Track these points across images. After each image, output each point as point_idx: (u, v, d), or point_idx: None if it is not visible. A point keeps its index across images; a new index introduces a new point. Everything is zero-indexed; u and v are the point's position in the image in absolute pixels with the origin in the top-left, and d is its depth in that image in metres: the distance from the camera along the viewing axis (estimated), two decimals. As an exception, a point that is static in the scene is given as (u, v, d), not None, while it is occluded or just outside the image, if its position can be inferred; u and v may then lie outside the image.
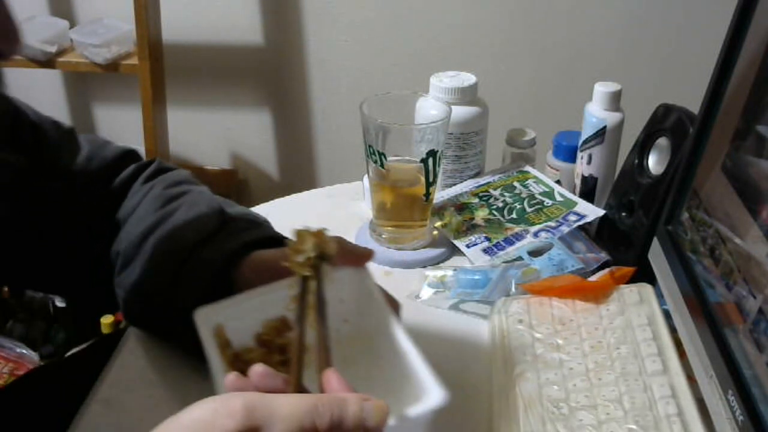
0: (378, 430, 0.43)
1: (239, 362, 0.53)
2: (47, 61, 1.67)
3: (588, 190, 0.91)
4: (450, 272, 0.79)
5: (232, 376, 0.46)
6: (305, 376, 0.47)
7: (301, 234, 0.49)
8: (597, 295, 0.73)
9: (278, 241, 0.68)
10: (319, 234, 0.49)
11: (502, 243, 0.85)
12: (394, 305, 0.59)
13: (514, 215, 0.89)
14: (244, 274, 0.64)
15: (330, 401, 0.43)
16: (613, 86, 0.87)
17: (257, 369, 0.46)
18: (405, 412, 0.46)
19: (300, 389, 0.47)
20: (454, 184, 0.95)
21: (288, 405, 0.42)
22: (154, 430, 0.42)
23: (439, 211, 0.90)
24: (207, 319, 0.55)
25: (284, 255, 0.53)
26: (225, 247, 0.65)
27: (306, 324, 0.48)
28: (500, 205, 0.91)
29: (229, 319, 0.54)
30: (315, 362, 0.48)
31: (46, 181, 0.70)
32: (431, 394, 0.49)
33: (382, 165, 0.82)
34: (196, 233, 0.66)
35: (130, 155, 0.77)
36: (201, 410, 0.42)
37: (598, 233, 0.87)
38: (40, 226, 0.70)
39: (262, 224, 0.70)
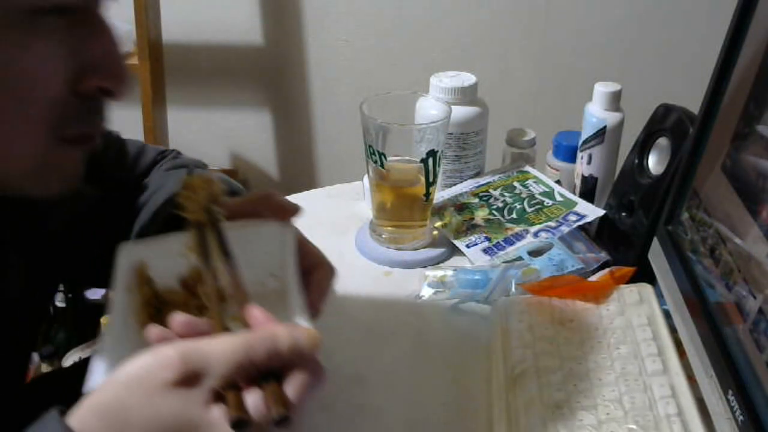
0: (312, 355, 0.44)
1: (158, 301, 0.53)
2: (47, 61, 1.66)
3: (588, 190, 0.91)
4: (450, 272, 0.79)
5: (156, 329, 0.45)
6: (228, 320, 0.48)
7: (189, 182, 0.50)
8: (597, 295, 0.73)
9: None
10: (208, 180, 0.50)
11: (502, 243, 0.85)
12: (322, 266, 0.60)
13: (514, 215, 0.89)
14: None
15: (262, 335, 0.43)
16: (613, 86, 0.87)
17: (179, 318, 0.45)
18: None
19: (224, 331, 0.46)
20: (454, 184, 0.95)
21: (222, 346, 0.42)
22: (92, 393, 0.41)
23: (439, 211, 0.90)
24: (130, 254, 0.55)
25: (238, 202, 0.57)
26: (169, 190, 0.67)
27: (216, 267, 0.49)
28: (500, 205, 0.91)
29: (155, 257, 0.54)
30: (234, 302, 0.48)
31: (104, 191, 0.72)
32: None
33: (382, 165, 0.82)
34: (166, 193, 0.69)
35: (165, 153, 0.80)
36: (136, 366, 0.41)
37: (598, 233, 0.87)
38: (95, 230, 0.72)
39: (228, 183, 0.72)
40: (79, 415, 0.41)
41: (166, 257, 0.54)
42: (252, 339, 0.42)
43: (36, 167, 0.50)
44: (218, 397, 0.41)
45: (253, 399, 0.41)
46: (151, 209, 0.69)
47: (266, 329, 0.44)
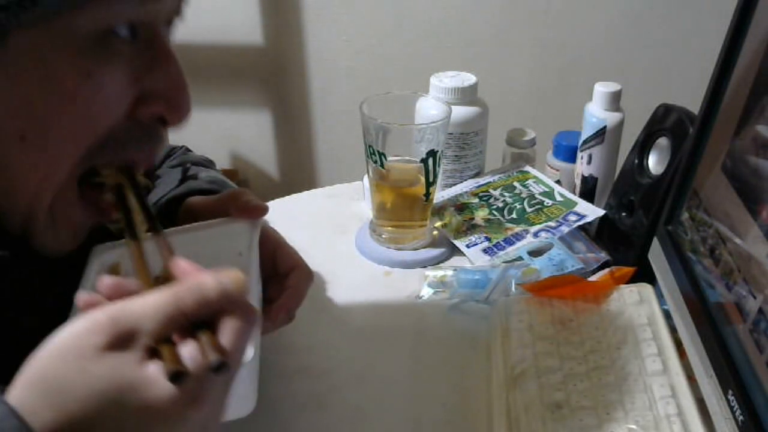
0: (242, 298, 0.43)
1: None
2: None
3: (588, 190, 0.91)
4: (450, 272, 0.79)
5: (83, 295, 0.44)
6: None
7: None
8: (597, 295, 0.73)
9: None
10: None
11: (502, 243, 0.85)
12: (299, 268, 0.61)
13: (514, 215, 0.89)
14: (181, 219, 0.66)
15: (188, 286, 0.42)
16: (613, 86, 0.87)
17: (105, 281, 0.45)
18: None
19: (154, 288, 0.45)
20: (454, 184, 0.95)
21: (150, 302, 0.41)
22: (27, 366, 0.40)
23: (439, 211, 0.90)
24: (103, 255, 0.55)
25: (210, 201, 0.59)
26: (171, 195, 0.68)
27: (140, 228, 0.49)
28: (500, 205, 0.91)
29: (121, 258, 0.54)
30: (160, 258, 0.48)
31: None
32: None
33: (382, 165, 0.82)
34: (163, 190, 0.70)
35: (174, 149, 0.80)
36: (67, 334, 0.41)
37: (598, 233, 0.87)
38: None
39: (220, 183, 0.72)
40: (18, 393, 0.40)
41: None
42: (180, 291, 0.42)
43: (57, 205, 0.50)
44: (154, 353, 0.41)
45: (188, 350, 0.41)
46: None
47: (193, 280, 0.43)
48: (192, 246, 0.53)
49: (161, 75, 0.49)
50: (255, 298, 0.53)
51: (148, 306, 0.41)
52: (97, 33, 0.45)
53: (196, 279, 0.43)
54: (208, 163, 0.79)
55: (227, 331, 0.42)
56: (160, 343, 0.41)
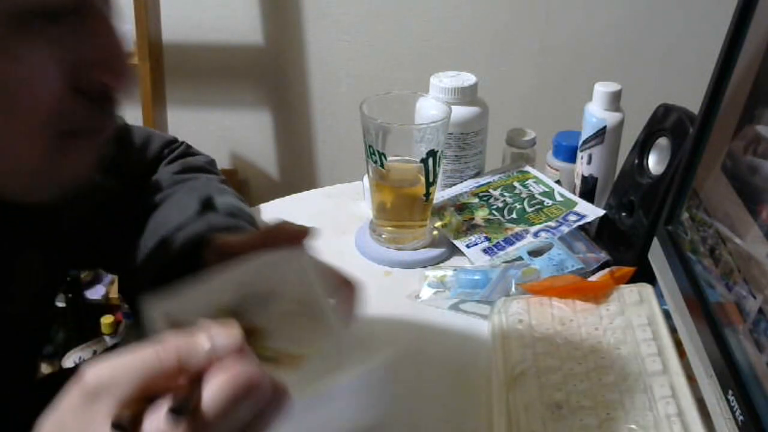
0: (233, 353, 0.39)
1: None
2: (47, 61, 1.66)
3: (588, 190, 0.91)
4: (450, 272, 0.79)
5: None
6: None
7: None
8: (597, 295, 0.73)
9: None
10: None
11: (502, 243, 0.85)
12: (345, 284, 0.59)
13: (514, 215, 0.89)
14: (208, 258, 0.64)
15: (175, 342, 0.39)
16: (613, 86, 0.87)
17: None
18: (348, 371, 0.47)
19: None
20: (454, 184, 0.95)
21: (127, 360, 0.39)
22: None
23: (439, 211, 0.90)
24: (159, 308, 0.53)
25: (243, 240, 0.57)
26: (191, 231, 0.65)
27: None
28: (500, 205, 0.91)
29: (181, 308, 0.53)
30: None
31: (115, 182, 0.71)
32: (370, 358, 0.49)
33: (382, 165, 0.82)
34: (178, 216, 0.67)
35: (173, 143, 0.79)
36: (60, 400, 0.41)
37: (598, 233, 0.87)
38: (108, 220, 0.72)
39: (239, 214, 0.71)
40: None
41: (193, 304, 0.53)
42: (161, 349, 0.39)
43: (39, 169, 0.49)
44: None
45: (150, 422, 0.38)
46: (159, 234, 0.67)
47: (182, 337, 0.40)
48: (247, 285, 0.53)
49: (96, 43, 0.47)
50: (330, 321, 0.53)
51: (125, 364, 0.39)
52: (19, 10, 0.43)
53: (185, 336, 0.40)
54: (210, 166, 0.79)
55: (210, 386, 0.38)
56: (131, 403, 0.38)
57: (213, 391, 0.38)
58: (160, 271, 0.65)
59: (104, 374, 0.39)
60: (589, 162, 0.90)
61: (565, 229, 0.85)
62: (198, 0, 1.77)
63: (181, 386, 0.39)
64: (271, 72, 1.86)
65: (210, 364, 0.39)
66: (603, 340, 0.68)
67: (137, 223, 0.71)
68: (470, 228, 0.88)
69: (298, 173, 1.98)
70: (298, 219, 0.59)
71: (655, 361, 0.64)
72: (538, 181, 0.94)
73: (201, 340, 0.39)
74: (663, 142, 0.80)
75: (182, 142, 0.80)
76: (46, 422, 0.41)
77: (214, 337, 0.39)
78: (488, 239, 0.85)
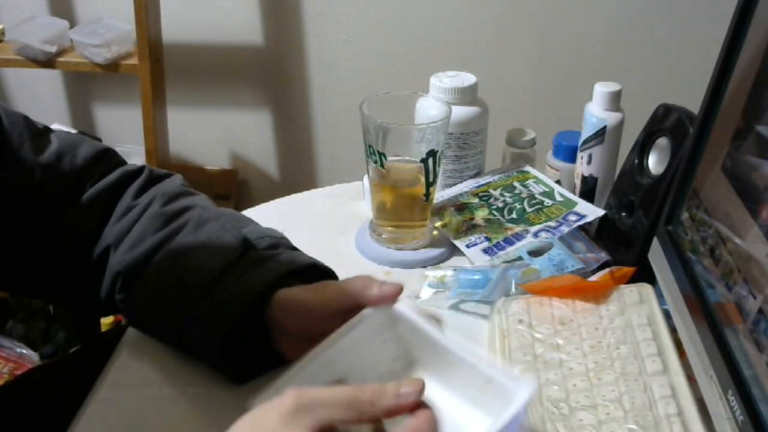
0: (420, 400, 0.47)
1: None
2: (47, 61, 1.67)
3: (588, 190, 0.91)
4: (450, 272, 0.79)
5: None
6: None
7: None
8: (597, 295, 0.73)
9: (304, 268, 0.67)
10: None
11: (502, 243, 0.85)
12: (435, 320, 0.59)
13: (514, 215, 0.89)
14: (274, 316, 0.63)
15: (370, 386, 0.48)
16: (613, 86, 0.87)
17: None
18: (502, 415, 0.48)
19: None
20: (454, 184, 0.95)
21: (332, 390, 0.47)
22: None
23: (439, 211, 0.90)
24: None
25: (317, 299, 0.59)
26: (250, 285, 0.62)
27: None
28: (500, 205, 0.91)
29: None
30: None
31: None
32: (517, 391, 0.50)
33: (382, 165, 0.82)
34: (214, 262, 0.64)
35: (107, 155, 0.74)
36: (258, 409, 0.46)
37: (598, 233, 0.87)
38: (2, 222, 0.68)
39: (280, 246, 0.68)
40: None
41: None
42: (360, 387, 0.47)
43: None
44: None
45: None
46: (199, 283, 0.63)
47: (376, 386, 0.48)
48: (341, 364, 0.55)
49: None
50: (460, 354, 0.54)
51: (327, 392, 0.46)
52: None
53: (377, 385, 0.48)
54: (187, 186, 0.74)
55: (417, 418, 0.47)
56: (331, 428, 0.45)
57: (416, 423, 0.47)
58: (227, 332, 0.62)
59: (307, 395, 0.45)
60: (589, 162, 0.90)
61: (565, 229, 0.85)
62: (198, 0, 1.78)
63: (364, 421, 0.47)
64: (271, 72, 1.86)
65: (396, 407, 0.47)
66: (603, 340, 0.68)
67: (80, 252, 0.68)
68: (470, 228, 0.88)
69: (298, 173, 1.98)
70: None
71: (655, 361, 0.64)
72: (538, 181, 0.94)
73: (390, 387, 0.48)
74: (663, 142, 0.80)
75: (142, 166, 0.74)
76: (243, 424, 0.46)
77: (401, 385, 0.48)
78: (488, 239, 0.85)
